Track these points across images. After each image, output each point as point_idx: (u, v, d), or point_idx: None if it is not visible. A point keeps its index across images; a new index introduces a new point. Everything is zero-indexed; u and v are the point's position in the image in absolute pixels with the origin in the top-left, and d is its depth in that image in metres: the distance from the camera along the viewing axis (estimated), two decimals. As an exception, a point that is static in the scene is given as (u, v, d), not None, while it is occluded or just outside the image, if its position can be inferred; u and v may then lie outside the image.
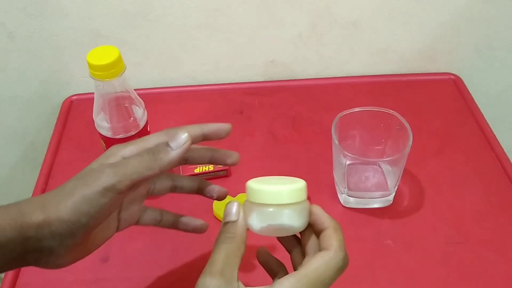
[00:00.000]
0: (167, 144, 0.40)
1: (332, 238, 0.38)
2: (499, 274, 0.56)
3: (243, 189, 0.64)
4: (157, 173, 0.40)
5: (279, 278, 0.37)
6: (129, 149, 0.42)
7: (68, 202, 0.37)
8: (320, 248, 0.38)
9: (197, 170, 0.66)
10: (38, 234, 0.37)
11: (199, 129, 0.44)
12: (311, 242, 0.39)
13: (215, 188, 0.48)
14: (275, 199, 0.37)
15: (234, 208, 0.39)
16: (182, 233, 0.60)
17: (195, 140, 0.43)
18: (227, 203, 0.39)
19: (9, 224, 0.36)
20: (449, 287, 0.55)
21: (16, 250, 0.37)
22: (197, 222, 0.49)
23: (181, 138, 0.40)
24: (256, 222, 0.38)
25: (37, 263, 0.39)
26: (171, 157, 0.40)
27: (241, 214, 0.39)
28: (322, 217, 0.39)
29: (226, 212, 0.39)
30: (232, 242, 0.37)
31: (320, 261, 0.37)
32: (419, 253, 0.58)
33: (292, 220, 0.38)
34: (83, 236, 0.39)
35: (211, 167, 0.66)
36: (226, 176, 0.68)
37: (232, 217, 0.38)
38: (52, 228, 0.37)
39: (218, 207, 0.62)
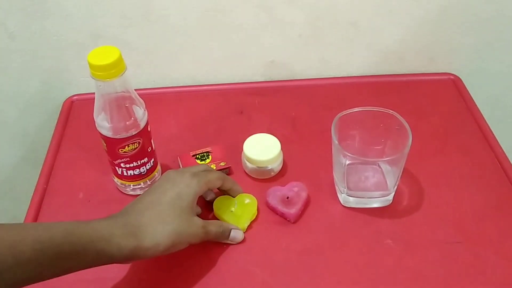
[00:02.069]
0: (229, 233, 0.58)
1: None
2: (499, 273, 0.56)
3: (244, 187, 0.65)
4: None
5: None
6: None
7: (176, 239, 0.52)
8: None
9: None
10: (144, 254, 0.50)
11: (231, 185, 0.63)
12: None
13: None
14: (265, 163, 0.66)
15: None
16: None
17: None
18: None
19: (125, 244, 0.49)
20: (449, 286, 0.55)
21: (121, 260, 0.50)
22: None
23: (239, 239, 0.59)
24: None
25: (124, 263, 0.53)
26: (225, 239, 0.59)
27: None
28: None
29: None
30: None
31: None
32: (419, 253, 0.58)
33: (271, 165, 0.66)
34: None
35: (213, 166, 0.66)
36: (228, 174, 0.68)
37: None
38: (157, 252, 0.51)
39: (218, 207, 0.62)
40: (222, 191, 0.63)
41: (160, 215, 0.52)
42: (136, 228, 0.50)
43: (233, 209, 0.62)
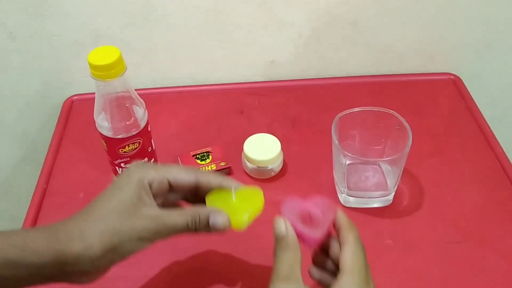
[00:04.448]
0: (208, 222, 0.44)
1: (348, 232, 0.43)
2: (499, 274, 0.56)
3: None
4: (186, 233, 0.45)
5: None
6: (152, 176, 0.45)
7: (113, 238, 0.41)
8: (340, 245, 0.43)
9: (198, 170, 0.66)
10: (76, 260, 0.40)
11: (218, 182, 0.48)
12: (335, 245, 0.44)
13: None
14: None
15: (282, 223, 0.43)
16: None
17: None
18: (275, 219, 0.44)
19: (45, 250, 0.40)
20: (449, 286, 0.55)
21: (53, 272, 0.40)
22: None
23: (219, 222, 0.44)
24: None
25: (70, 281, 0.43)
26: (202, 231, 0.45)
27: (289, 227, 0.43)
28: (340, 219, 0.44)
29: (277, 227, 0.43)
30: (288, 249, 0.42)
31: (349, 255, 0.42)
32: (419, 253, 0.58)
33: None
34: (120, 261, 0.43)
35: (213, 166, 0.67)
36: (228, 174, 0.68)
37: (282, 231, 0.42)
38: (92, 257, 0.41)
39: (211, 200, 0.48)
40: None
41: (90, 213, 0.42)
42: (60, 232, 0.41)
43: (231, 202, 0.47)
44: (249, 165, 0.66)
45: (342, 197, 0.63)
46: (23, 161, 0.91)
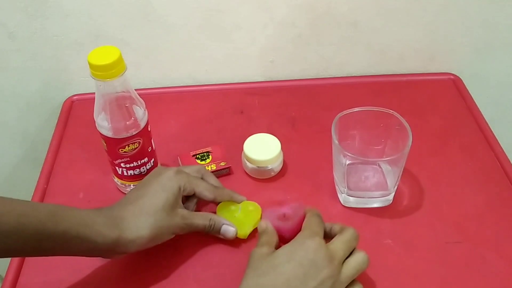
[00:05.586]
0: (220, 228, 0.58)
1: (308, 214, 0.55)
2: (499, 274, 0.56)
3: (244, 187, 0.65)
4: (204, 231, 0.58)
5: None
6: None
7: (157, 231, 0.53)
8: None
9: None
10: (128, 245, 0.51)
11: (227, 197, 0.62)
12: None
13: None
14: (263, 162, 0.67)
15: (263, 222, 0.55)
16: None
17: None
18: (259, 223, 0.56)
19: (107, 232, 0.50)
20: (449, 286, 0.55)
21: (106, 249, 0.51)
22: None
23: (230, 234, 0.58)
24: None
25: (109, 257, 0.55)
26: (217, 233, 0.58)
27: (269, 224, 0.55)
28: (306, 211, 0.56)
29: (259, 226, 0.55)
30: (267, 233, 0.54)
31: (306, 221, 0.54)
32: (419, 253, 0.58)
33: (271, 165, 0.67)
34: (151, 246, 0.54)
35: (213, 166, 0.67)
36: (228, 174, 0.68)
37: (263, 227, 0.55)
38: (140, 244, 0.52)
39: (221, 211, 0.61)
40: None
41: (142, 207, 0.53)
42: (119, 220, 0.52)
43: (236, 214, 0.60)
44: (249, 165, 0.66)
45: (342, 197, 0.63)
46: (23, 161, 0.91)
